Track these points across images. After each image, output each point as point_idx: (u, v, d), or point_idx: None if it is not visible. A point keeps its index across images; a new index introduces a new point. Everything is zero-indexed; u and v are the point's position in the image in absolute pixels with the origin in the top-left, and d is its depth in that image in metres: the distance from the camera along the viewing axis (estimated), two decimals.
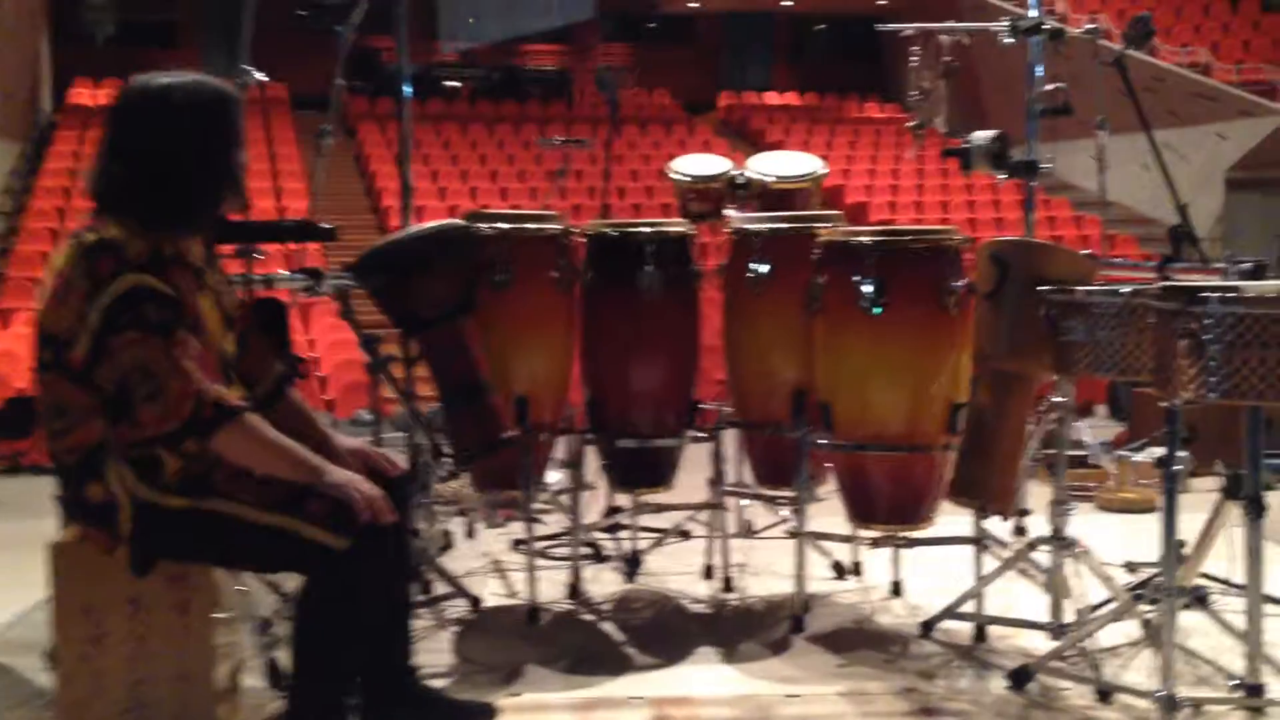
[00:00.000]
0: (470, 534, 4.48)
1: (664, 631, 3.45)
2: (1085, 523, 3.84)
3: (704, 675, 3.09)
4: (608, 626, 3.50)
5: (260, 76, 3.42)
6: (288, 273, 3.51)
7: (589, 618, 3.59)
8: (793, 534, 3.46)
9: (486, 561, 4.18)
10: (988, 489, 3.01)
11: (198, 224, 2.43)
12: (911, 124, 4.01)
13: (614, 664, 3.17)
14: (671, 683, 3.03)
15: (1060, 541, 3.19)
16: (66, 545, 2.49)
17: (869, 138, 19.59)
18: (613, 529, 4.21)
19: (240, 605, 3.12)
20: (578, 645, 3.32)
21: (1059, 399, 3.18)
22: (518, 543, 4.31)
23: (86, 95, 18.57)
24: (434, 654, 3.24)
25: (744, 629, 3.45)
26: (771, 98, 22.54)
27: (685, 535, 4.30)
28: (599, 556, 4.17)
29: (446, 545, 4.33)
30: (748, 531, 4.23)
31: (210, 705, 2.54)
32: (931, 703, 2.89)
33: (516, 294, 3.49)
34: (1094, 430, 6.49)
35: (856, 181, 17.90)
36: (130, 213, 2.32)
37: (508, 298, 3.48)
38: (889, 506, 3.37)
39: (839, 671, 3.11)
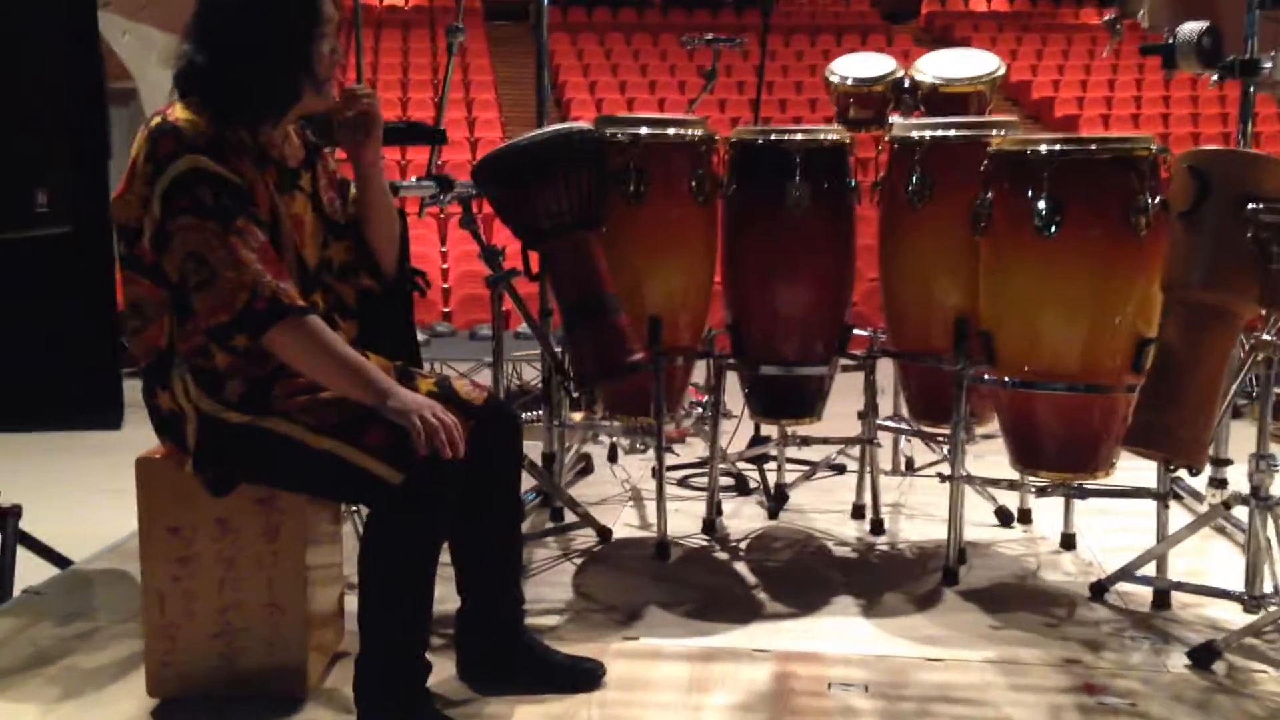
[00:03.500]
0: (612, 458, 4.27)
1: (802, 576, 3.18)
2: None
3: (839, 629, 2.81)
4: (741, 567, 3.25)
5: None
6: (412, 180, 3.33)
7: (723, 556, 3.34)
8: (946, 477, 3.12)
9: (625, 489, 3.98)
10: (1175, 439, 2.60)
11: (271, 112, 2.24)
12: (1107, 17, 3.51)
13: (742, 610, 2.92)
14: (802, 635, 2.77)
15: (1262, 500, 2.75)
16: (151, 460, 2.37)
17: (1083, 45, 18.33)
18: (758, 460, 3.93)
19: (351, 522, 3.01)
20: (706, 587, 3.08)
21: (1269, 336, 2.73)
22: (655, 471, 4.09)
23: None
24: (554, 588, 3.06)
25: (890, 578, 3.14)
26: (978, 4, 21.33)
27: (839, 470, 4.00)
28: (742, 489, 3.91)
29: (585, 469, 4.15)
30: (903, 469, 3.89)
31: (303, 634, 2.41)
32: (1096, 679, 2.53)
33: (650, 206, 3.22)
34: None
35: (1067, 94, 16.83)
36: (203, 97, 2.18)
37: (640, 210, 3.21)
38: (1059, 451, 2.99)
39: (991, 634, 2.77)
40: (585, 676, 2.52)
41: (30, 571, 3.21)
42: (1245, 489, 2.80)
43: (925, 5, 21.04)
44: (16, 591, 3.09)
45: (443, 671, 2.47)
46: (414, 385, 2.39)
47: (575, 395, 3.12)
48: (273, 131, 2.28)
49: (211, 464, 2.24)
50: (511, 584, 2.53)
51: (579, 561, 3.27)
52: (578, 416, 3.68)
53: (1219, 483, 3.52)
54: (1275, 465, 2.74)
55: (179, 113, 2.16)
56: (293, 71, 2.24)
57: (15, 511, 3.19)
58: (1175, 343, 2.62)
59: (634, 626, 2.82)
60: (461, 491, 2.31)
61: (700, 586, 3.08)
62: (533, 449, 3.68)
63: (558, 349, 3.25)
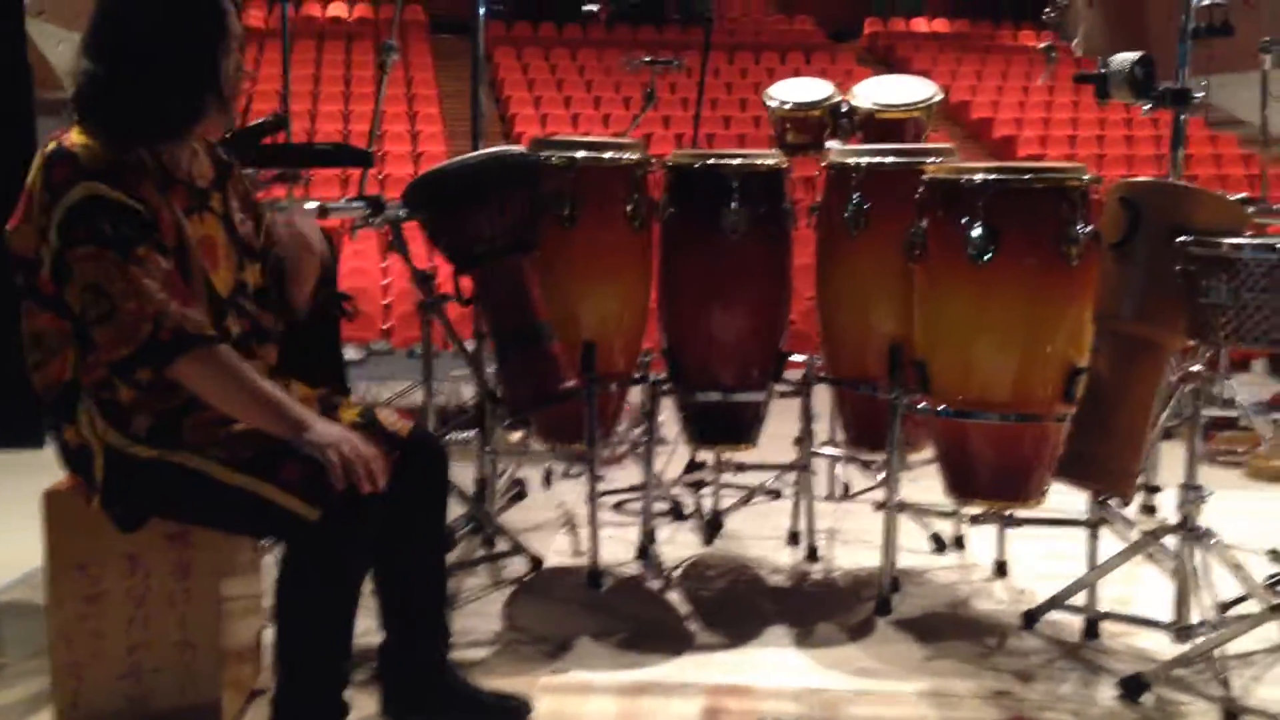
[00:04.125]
0: (547, 482, 4.22)
1: (735, 606, 3.14)
2: (1228, 497, 3.38)
3: (771, 661, 2.78)
4: (675, 596, 3.20)
5: None
6: (342, 200, 3.26)
7: (655, 585, 3.30)
8: (880, 505, 3.10)
9: (559, 514, 3.92)
10: (1105, 471, 2.60)
11: (175, 132, 2.16)
12: (1043, 44, 3.53)
13: (674, 641, 2.88)
14: (733, 668, 2.73)
15: (1190, 531, 2.76)
16: (59, 493, 2.29)
17: (1021, 67, 18.54)
18: (694, 485, 3.90)
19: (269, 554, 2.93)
20: (638, 617, 3.04)
21: (1195, 367, 2.74)
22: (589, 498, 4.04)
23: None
24: (484, 618, 3.00)
25: (823, 607, 3.11)
26: (919, 24, 21.56)
27: (775, 495, 3.97)
28: (678, 514, 3.87)
29: (519, 494, 4.09)
30: (839, 495, 3.87)
31: (217, 672, 2.33)
32: (1026, 710, 2.52)
33: (584, 230, 3.18)
34: (1248, 387, 5.92)
35: (1006, 114, 17.02)
36: (102, 117, 2.08)
37: (574, 235, 3.17)
38: (992, 480, 2.98)
39: (923, 666, 2.75)
40: (511, 715, 2.46)
41: None
42: (1175, 518, 2.81)
43: (868, 26, 21.22)
44: None
45: (364, 709, 2.40)
46: (337, 415, 2.32)
47: (507, 423, 3.06)
48: (178, 151, 2.20)
49: (120, 499, 2.16)
50: (436, 618, 2.46)
51: (510, 591, 3.22)
52: (514, 437, 3.63)
53: (1149, 509, 3.54)
54: (1203, 496, 2.74)
55: (75, 137, 2.07)
56: (198, 89, 2.15)
57: None
58: (1105, 374, 2.62)
59: (564, 658, 2.77)
60: (383, 525, 2.25)
61: (632, 617, 3.04)
62: (465, 473, 3.63)
63: (491, 374, 3.19)
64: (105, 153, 2.05)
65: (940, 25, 21.57)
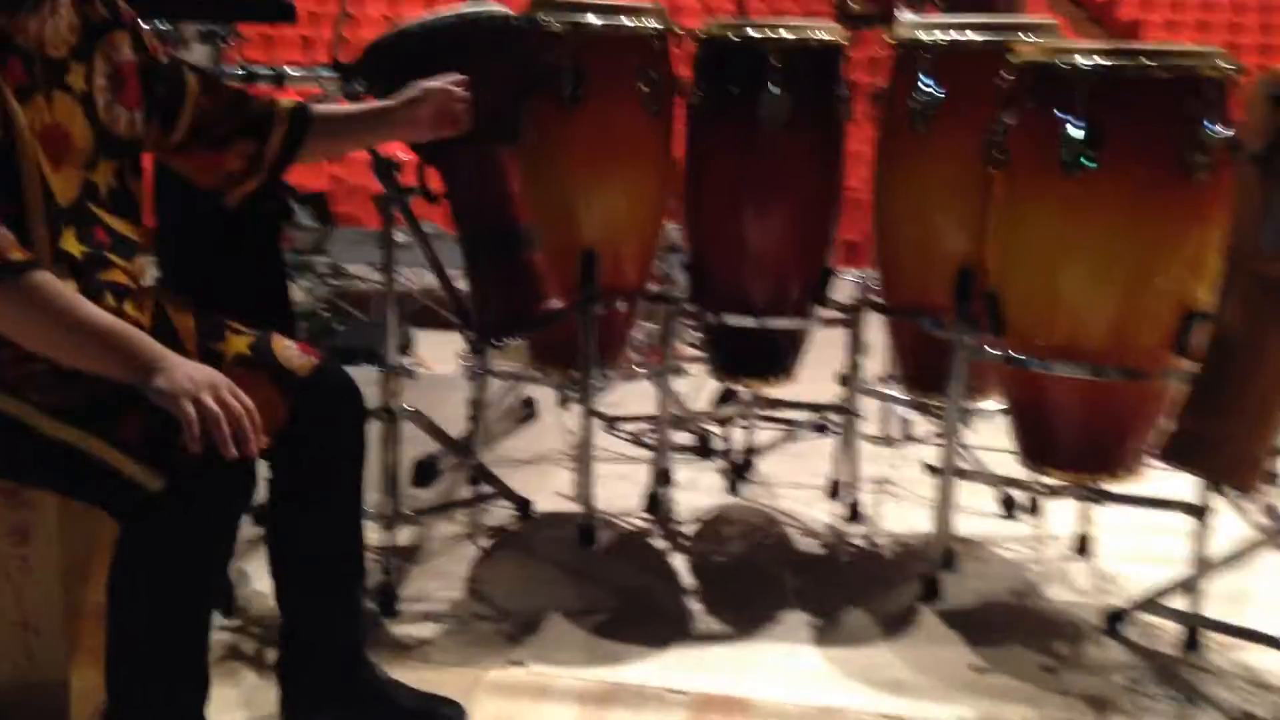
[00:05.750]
0: (564, 402, 3.68)
1: (750, 578, 2.61)
2: None
3: (779, 663, 2.24)
4: (679, 561, 2.68)
5: None
6: (307, 69, 2.72)
7: (660, 544, 2.77)
8: (933, 469, 2.52)
9: (568, 444, 3.40)
10: (1223, 455, 1.99)
11: None
12: None
13: (664, 626, 2.36)
14: (730, 671, 2.20)
15: None
16: None
17: None
18: (724, 421, 3.34)
19: None
20: (628, 588, 2.53)
21: None
22: (610, 421, 3.51)
23: None
24: (443, 580, 2.54)
25: (857, 586, 2.57)
26: None
27: (821, 429, 3.39)
28: (704, 451, 3.32)
29: (527, 416, 3.58)
30: (895, 438, 3.29)
31: (64, 662, 1.87)
32: None
33: (588, 112, 2.59)
34: None
35: None
36: None
37: (576, 117, 2.58)
38: (1078, 446, 2.39)
39: (973, 682, 2.20)
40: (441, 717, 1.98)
41: None
42: None
43: None
44: None
45: (265, 706, 1.95)
46: (218, 347, 1.82)
47: (475, 346, 2.53)
48: (20, 7, 1.67)
49: None
50: (347, 601, 1.97)
51: (485, 544, 2.72)
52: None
53: (1271, 477, 2.90)
54: None
55: None
56: None
57: None
58: (1237, 329, 1.99)
59: (525, 644, 2.27)
60: (278, 487, 1.80)
61: (621, 588, 2.53)
62: (457, 393, 3.13)
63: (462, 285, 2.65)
64: None
65: None
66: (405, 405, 2.61)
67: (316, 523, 1.90)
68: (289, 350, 1.87)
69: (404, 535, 2.63)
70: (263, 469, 1.75)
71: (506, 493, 2.86)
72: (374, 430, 2.55)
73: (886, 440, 3.26)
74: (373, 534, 2.46)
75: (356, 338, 6.04)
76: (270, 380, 1.80)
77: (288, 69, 2.74)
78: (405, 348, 4.80)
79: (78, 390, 1.62)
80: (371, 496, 2.50)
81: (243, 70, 2.58)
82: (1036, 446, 2.44)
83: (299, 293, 6.46)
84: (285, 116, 1.96)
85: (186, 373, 1.59)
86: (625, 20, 2.62)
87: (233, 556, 1.81)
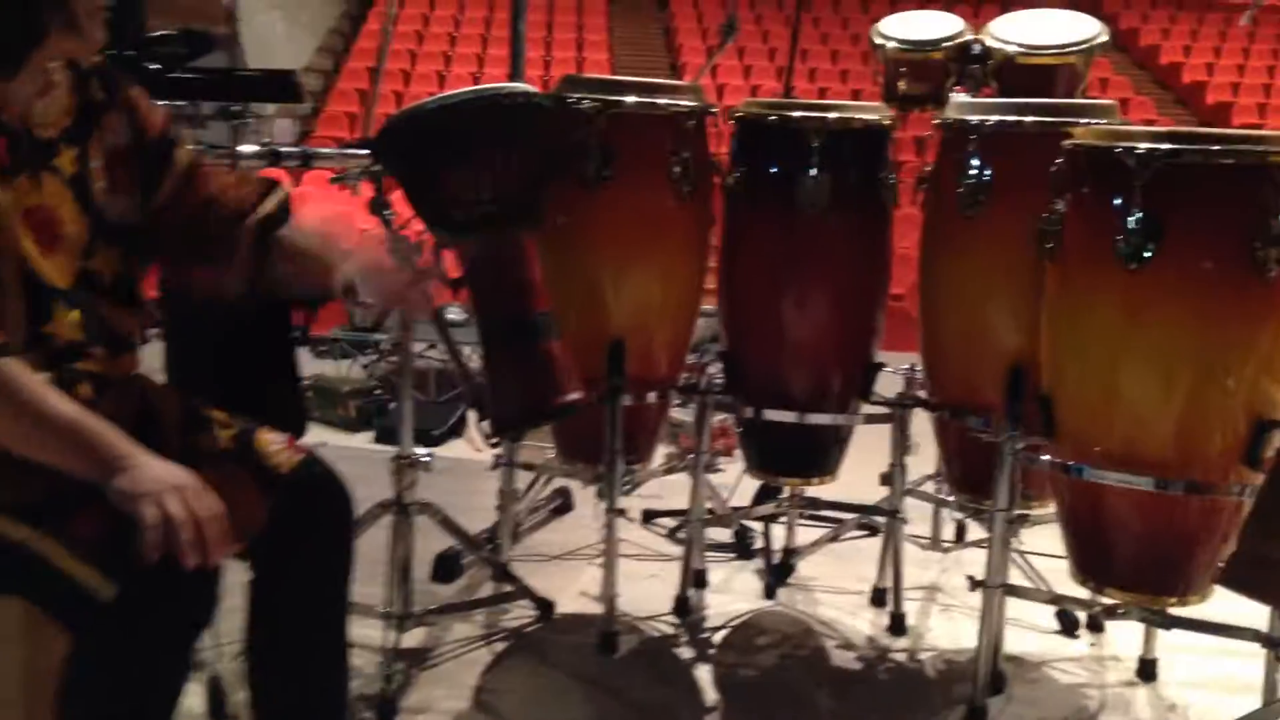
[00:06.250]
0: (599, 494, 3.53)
1: (781, 696, 2.42)
2: None
3: None
4: (704, 673, 2.50)
5: None
6: (334, 149, 2.65)
7: (687, 653, 2.59)
8: (977, 583, 2.32)
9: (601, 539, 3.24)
10: None
11: (3, 59, 1.57)
12: None
13: None
14: None
15: None
16: None
17: (1241, 29, 16.78)
18: (766, 519, 3.16)
19: None
20: (645, 704, 2.35)
21: None
22: (647, 516, 3.36)
23: None
24: (449, 689, 2.39)
25: (897, 710, 2.36)
26: None
27: (871, 531, 3.20)
28: (743, 551, 3.15)
29: (562, 507, 3.43)
30: (946, 542, 3.08)
31: None
32: None
33: (615, 194, 2.47)
34: None
35: (1222, 79, 15.41)
36: None
37: (602, 198, 2.47)
38: (1138, 565, 2.17)
39: None
40: None
41: None
42: None
43: None
44: None
45: None
46: (200, 441, 1.70)
47: (492, 440, 2.40)
48: (6, 85, 1.60)
49: None
50: (329, 716, 1.83)
51: (501, 648, 2.57)
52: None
53: None
54: None
55: None
56: (35, 4, 1.56)
57: None
58: None
59: None
60: (255, 594, 1.67)
61: (638, 702, 2.36)
62: (489, 483, 2.99)
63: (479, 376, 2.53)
64: None
65: None
66: (422, 497, 2.49)
67: (293, 632, 1.76)
68: (273, 446, 1.74)
69: (414, 636, 2.49)
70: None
71: (527, 593, 2.70)
72: (386, 524, 2.45)
73: (936, 544, 3.06)
74: (379, 635, 2.34)
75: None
76: (251, 478, 1.68)
77: (318, 148, 2.68)
78: (457, 430, 4.71)
79: (35, 484, 1.51)
80: (381, 593, 2.39)
81: (268, 149, 2.51)
82: (1092, 563, 2.23)
83: (357, 370, 6.44)
84: (248, 239, 1.82)
85: (153, 473, 1.48)
86: (657, 99, 2.50)
87: (189, 673, 1.68)
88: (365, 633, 2.42)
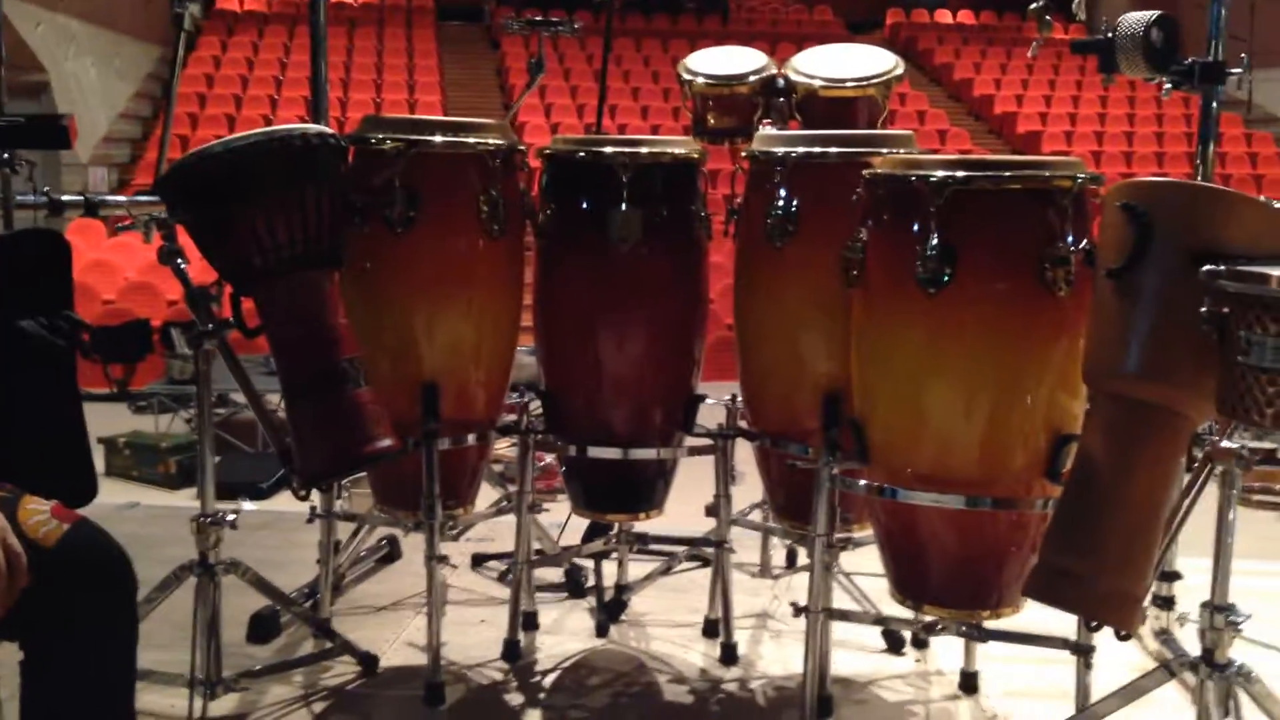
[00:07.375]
0: None
1: None
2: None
3: None
4: (533, 718, 2.44)
5: None
6: (122, 197, 2.53)
7: (515, 699, 2.53)
8: (800, 609, 2.33)
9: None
10: (1093, 593, 1.82)
11: None
12: (1034, 4, 2.75)
13: None
14: None
15: (1218, 668, 1.97)
16: None
17: (1048, 60, 17.68)
18: (597, 556, 3.13)
19: None
20: None
21: (1229, 443, 1.95)
22: (476, 560, 3.29)
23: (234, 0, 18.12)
24: None
25: None
26: (944, 16, 20.67)
27: (703, 563, 3.19)
28: (575, 589, 3.10)
29: (389, 556, 3.34)
30: (775, 569, 3.10)
31: None
32: None
33: (421, 236, 2.42)
34: None
35: (1030, 109, 16.20)
36: None
37: (408, 241, 2.41)
38: (951, 581, 2.22)
39: None
40: None
41: None
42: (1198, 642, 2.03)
43: (890, 16, 20.35)
44: None
45: None
46: None
47: (299, 492, 2.31)
48: None
49: None
50: None
51: (320, 708, 2.46)
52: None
53: (1165, 601, 2.76)
54: (1237, 621, 1.96)
55: None
56: None
57: None
58: (1098, 455, 1.83)
59: None
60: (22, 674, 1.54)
61: None
62: (310, 535, 2.89)
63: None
64: None
65: (965, 17, 20.69)
66: (234, 555, 2.40)
67: (69, 713, 1.65)
68: (36, 517, 1.63)
69: (226, 703, 2.37)
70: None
71: (348, 648, 2.61)
72: (191, 585, 2.34)
73: (766, 571, 3.07)
74: (184, 703, 2.23)
75: (236, 470, 5.77)
76: (7, 553, 1.57)
77: (104, 195, 2.55)
78: (286, 481, 4.56)
79: None
80: (188, 659, 2.27)
81: (47, 199, 2.39)
82: (910, 581, 2.27)
83: (179, 424, 6.18)
84: None
85: None
86: (461, 138, 2.47)
87: None
88: (171, 702, 2.31)
